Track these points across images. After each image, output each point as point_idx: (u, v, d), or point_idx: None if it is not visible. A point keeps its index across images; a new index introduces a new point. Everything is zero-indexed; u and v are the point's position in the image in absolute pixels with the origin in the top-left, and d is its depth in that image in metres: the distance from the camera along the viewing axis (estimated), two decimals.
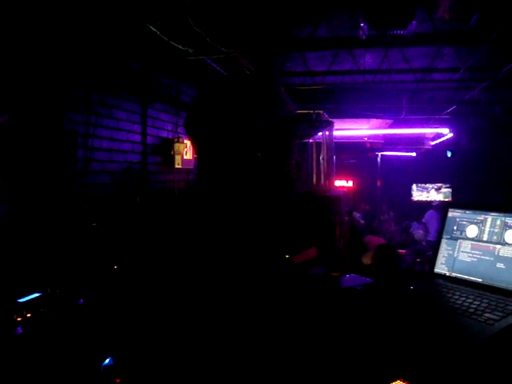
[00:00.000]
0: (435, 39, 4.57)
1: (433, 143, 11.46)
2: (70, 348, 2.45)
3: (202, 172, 0.99)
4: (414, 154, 12.32)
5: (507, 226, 1.25)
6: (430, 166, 12.25)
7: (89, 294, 2.81)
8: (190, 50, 4.44)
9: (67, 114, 3.66)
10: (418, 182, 12.90)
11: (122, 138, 4.65)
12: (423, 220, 9.58)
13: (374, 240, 5.69)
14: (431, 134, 10.96)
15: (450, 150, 11.74)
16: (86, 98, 3.92)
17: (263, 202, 0.97)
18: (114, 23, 3.72)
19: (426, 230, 8.71)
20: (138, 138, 5.00)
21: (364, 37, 4.34)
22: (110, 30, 3.82)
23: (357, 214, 8.66)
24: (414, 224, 9.43)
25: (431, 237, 8.17)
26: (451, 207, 1.44)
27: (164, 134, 5.65)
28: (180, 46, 4.26)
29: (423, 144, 11.49)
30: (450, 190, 12.52)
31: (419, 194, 12.95)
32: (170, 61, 4.95)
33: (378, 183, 13.20)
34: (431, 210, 9.70)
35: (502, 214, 1.28)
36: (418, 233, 8.34)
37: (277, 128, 0.94)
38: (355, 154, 12.26)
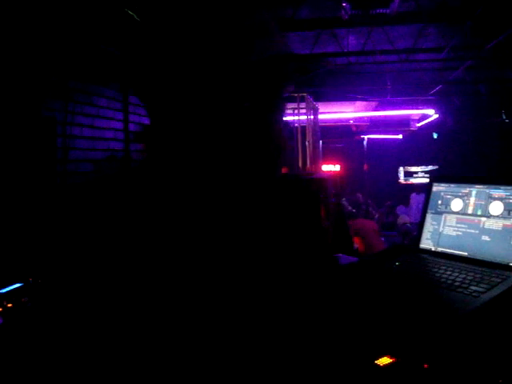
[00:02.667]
0: (419, 17, 4.53)
1: (419, 125, 11.48)
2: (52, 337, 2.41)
3: (163, 134, 0.72)
4: (400, 137, 12.34)
5: (491, 198, 1.23)
6: (416, 148, 12.29)
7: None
8: None
9: (45, 100, 3.57)
10: (404, 164, 12.94)
11: (104, 126, 4.56)
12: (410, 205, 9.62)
13: (362, 222, 5.74)
14: (417, 115, 10.98)
15: (435, 132, 11.78)
16: (65, 85, 3.83)
17: (247, 170, 0.71)
18: (92, 7, 3.63)
19: (409, 213, 8.82)
20: (119, 125, 4.92)
21: (346, 16, 4.29)
22: (88, 14, 3.73)
23: (345, 201, 8.72)
24: (401, 207, 9.47)
25: (412, 218, 8.23)
26: (435, 181, 1.41)
27: (147, 121, 5.56)
28: None
29: (409, 126, 11.51)
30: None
31: (406, 176, 12.99)
32: None
33: (365, 167, 13.22)
34: (414, 194, 9.68)
35: (486, 186, 1.25)
36: (402, 215, 8.49)
37: (269, 67, 0.67)
38: (341, 138, 12.25)
